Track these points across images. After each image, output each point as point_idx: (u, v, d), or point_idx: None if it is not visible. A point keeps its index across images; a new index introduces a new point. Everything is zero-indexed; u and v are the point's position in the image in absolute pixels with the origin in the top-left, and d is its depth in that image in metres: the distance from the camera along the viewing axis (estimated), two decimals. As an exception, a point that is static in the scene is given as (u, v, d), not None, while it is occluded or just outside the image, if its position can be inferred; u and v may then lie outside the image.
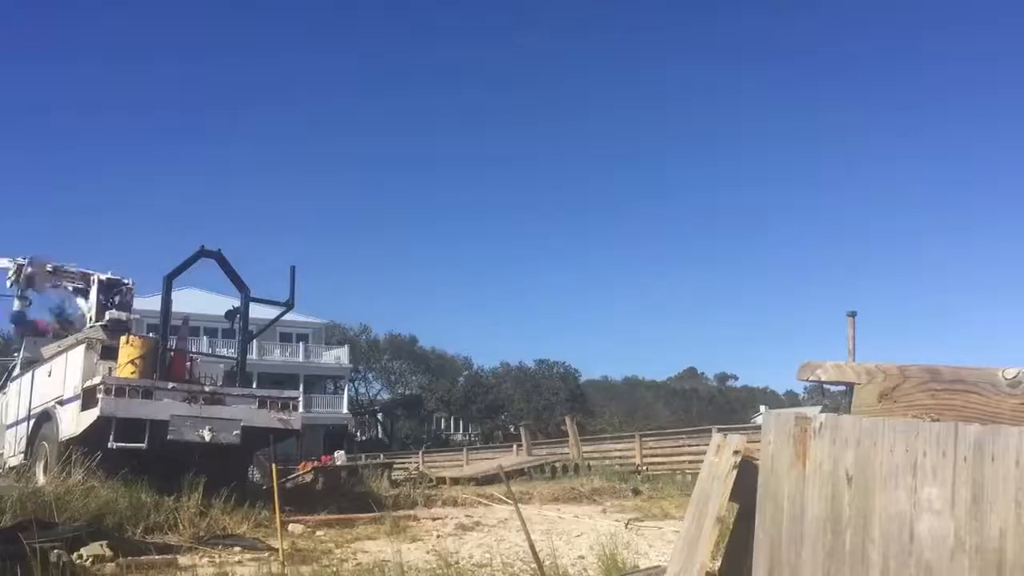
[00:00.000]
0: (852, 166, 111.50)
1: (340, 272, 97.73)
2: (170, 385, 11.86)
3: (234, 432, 11.92)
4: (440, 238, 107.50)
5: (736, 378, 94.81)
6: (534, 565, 6.34)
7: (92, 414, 11.24)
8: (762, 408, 67.53)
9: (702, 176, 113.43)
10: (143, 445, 11.11)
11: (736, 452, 2.78)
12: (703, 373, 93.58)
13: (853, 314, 3.25)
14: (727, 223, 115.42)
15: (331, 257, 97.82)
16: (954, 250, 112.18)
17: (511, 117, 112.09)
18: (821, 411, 2.38)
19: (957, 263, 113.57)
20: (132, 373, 11.93)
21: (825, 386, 2.45)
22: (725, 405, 77.74)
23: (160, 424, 11.38)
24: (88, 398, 11.56)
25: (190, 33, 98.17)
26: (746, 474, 2.69)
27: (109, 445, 10.94)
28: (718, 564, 2.94)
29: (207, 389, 12.16)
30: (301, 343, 58.83)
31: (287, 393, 13.85)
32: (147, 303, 21.12)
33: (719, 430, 15.60)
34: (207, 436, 11.60)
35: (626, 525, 11.51)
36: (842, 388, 2.48)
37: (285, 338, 56.46)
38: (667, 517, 12.45)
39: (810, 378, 2.31)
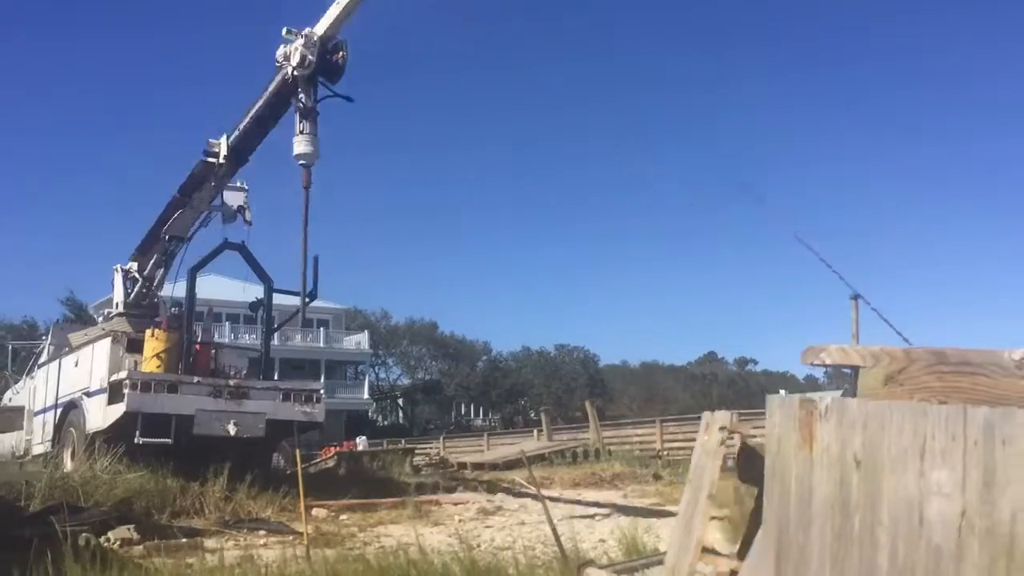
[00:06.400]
0: (874, 147, 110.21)
1: (361, 258, 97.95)
2: (195, 379, 11.97)
3: (259, 426, 12.04)
4: (460, 225, 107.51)
5: (756, 363, 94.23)
6: (555, 549, 6.40)
7: (118, 409, 11.38)
8: (781, 392, 67.10)
9: (722, 158, 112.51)
10: (169, 440, 11.25)
11: (722, 428, 2.82)
12: (723, 358, 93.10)
13: (856, 297, 3.25)
14: (748, 207, 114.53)
15: (351, 243, 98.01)
16: (963, 236, 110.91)
17: (526, 101, 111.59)
18: (842, 395, 2.40)
19: (966, 248, 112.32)
20: (157, 367, 12.07)
21: (845, 371, 2.47)
22: (744, 389, 77.33)
23: (186, 419, 11.51)
24: (114, 392, 11.71)
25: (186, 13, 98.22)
26: (752, 454, 2.72)
27: (135, 440, 11.09)
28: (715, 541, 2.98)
29: (232, 383, 12.28)
30: (322, 328, 59.21)
31: (311, 385, 13.93)
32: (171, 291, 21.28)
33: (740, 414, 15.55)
34: (232, 430, 11.71)
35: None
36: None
37: (306, 324, 56.73)
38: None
39: (814, 362, 2.32)
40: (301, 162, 11.39)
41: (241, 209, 13.44)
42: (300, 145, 11.30)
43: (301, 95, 11.18)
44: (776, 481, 2.16)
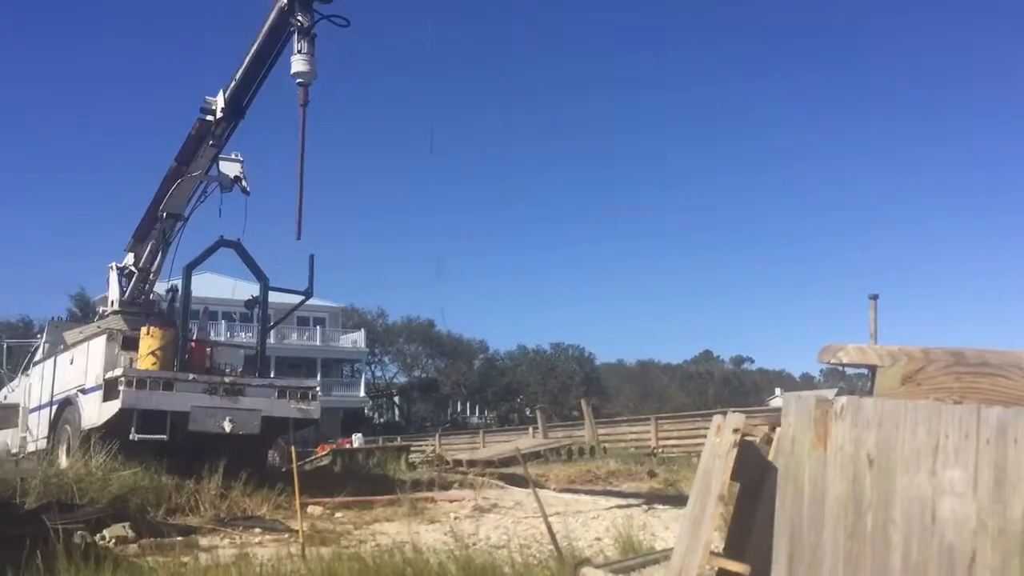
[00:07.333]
0: (871, 146, 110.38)
1: (357, 257, 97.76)
2: (191, 376, 11.94)
3: (254, 423, 12.01)
4: (457, 224, 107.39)
5: (752, 361, 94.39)
6: (551, 547, 6.38)
7: (114, 406, 11.35)
8: (778, 391, 67.32)
9: (717, 158, 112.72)
10: (164, 436, 11.23)
11: (735, 430, 2.76)
12: (719, 356, 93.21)
13: (875, 297, 3.22)
14: (743, 205, 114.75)
15: (347, 242, 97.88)
16: (975, 235, 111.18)
17: (525, 100, 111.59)
18: (837, 393, 2.37)
19: (979, 248, 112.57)
20: (153, 364, 12.02)
21: (842, 369, 2.44)
22: (740, 388, 77.46)
23: (181, 415, 11.48)
24: (110, 389, 11.68)
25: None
26: (745, 454, 2.67)
27: (131, 437, 11.06)
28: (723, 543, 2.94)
29: (227, 380, 12.23)
30: (318, 327, 59.14)
31: (306, 383, 13.84)
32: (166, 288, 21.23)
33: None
34: (228, 427, 11.69)
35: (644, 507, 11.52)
36: (859, 371, 2.46)
37: (303, 322, 56.72)
38: (683, 499, 12.43)
39: (831, 361, 2.29)
40: (299, 80, 11.57)
41: (238, 179, 13.45)
42: (298, 64, 11.47)
43: (299, 15, 11.34)
44: (789, 480, 2.13)
